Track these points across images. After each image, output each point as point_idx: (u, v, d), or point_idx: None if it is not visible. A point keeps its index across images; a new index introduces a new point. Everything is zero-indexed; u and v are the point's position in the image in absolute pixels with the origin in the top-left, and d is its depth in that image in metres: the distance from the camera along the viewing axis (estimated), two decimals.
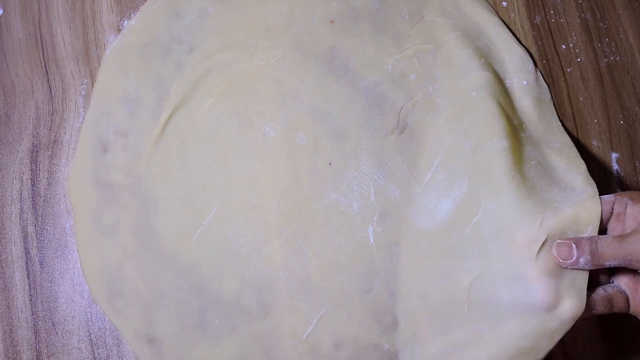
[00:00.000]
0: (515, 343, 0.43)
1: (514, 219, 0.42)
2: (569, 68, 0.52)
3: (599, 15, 0.53)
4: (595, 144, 0.51)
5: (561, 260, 0.40)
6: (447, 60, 0.50)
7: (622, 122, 0.51)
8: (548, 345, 0.43)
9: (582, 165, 0.46)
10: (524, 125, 0.49)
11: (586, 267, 0.40)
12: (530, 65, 0.50)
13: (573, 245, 0.39)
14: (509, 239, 0.43)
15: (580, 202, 0.43)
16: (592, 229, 0.42)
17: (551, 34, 0.52)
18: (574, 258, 0.39)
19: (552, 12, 0.53)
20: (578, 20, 0.53)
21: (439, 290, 0.46)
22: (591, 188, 0.44)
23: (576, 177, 0.45)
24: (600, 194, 0.49)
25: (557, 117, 0.50)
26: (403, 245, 0.48)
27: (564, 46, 0.52)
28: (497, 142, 0.45)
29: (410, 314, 0.47)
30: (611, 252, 0.39)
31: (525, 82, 0.50)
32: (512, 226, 0.42)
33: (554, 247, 0.40)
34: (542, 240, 0.41)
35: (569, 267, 0.40)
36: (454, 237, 0.46)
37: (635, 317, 0.49)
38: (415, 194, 0.48)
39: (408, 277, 0.47)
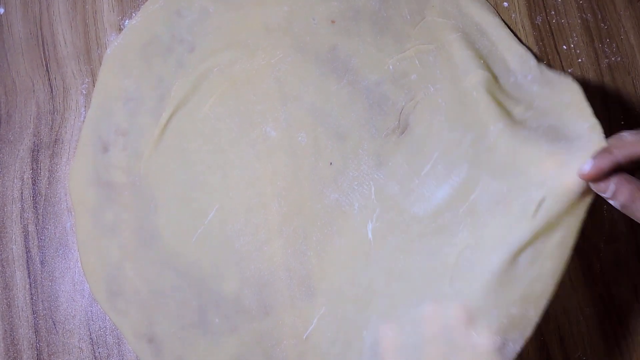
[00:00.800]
0: (504, 312, 0.41)
1: (514, 187, 0.41)
2: (569, 69, 0.52)
3: (599, 16, 0.53)
4: None
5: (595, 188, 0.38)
6: (448, 60, 0.50)
7: (622, 122, 0.51)
8: (536, 313, 0.41)
9: (588, 112, 0.42)
10: (534, 104, 0.46)
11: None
12: (533, 61, 0.50)
13: (612, 186, 0.37)
14: (506, 206, 0.41)
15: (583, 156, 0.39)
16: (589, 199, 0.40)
17: (552, 34, 0.52)
18: (608, 194, 0.37)
19: (553, 12, 0.53)
20: (579, 21, 0.53)
21: (424, 269, 0.44)
22: (597, 135, 0.39)
23: (583, 125, 0.41)
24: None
25: (569, 76, 0.46)
26: (396, 234, 0.47)
27: (564, 47, 0.52)
28: (493, 129, 0.44)
29: (390, 296, 0.45)
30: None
31: (530, 77, 0.49)
32: (513, 194, 0.41)
33: (585, 166, 0.37)
34: (540, 199, 0.40)
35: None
36: (447, 217, 0.45)
37: (635, 319, 0.49)
38: (413, 186, 0.48)
39: (396, 261, 0.45)
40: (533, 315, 0.41)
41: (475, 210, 0.43)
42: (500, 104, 0.47)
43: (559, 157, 0.40)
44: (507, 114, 0.46)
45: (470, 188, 0.44)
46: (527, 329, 0.41)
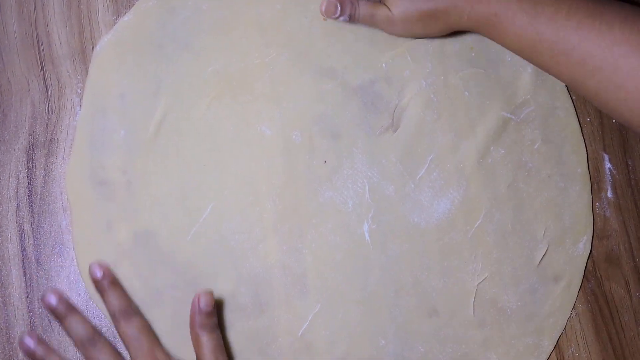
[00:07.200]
0: (522, 342, 0.47)
1: (517, 228, 0.49)
2: None
3: None
4: (587, 143, 0.51)
5: (326, 15, 0.47)
6: (439, 54, 0.50)
7: (614, 120, 0.52)
8: (550, 343, 0.48)
9: (583, 152, 0.51)
10: (529, 98, 0.50)
11: (345, 20, 0.47)
12: None
13: (338, 5, 0.47)
14: (514, 245, 0.48)
15: (577, 212, 0.50)
16: (586, 239, 0.49)
17: None
18: (337, 14, 0.47)
19: None
20: None
21: (441, 289, 0.48)
22: (586, 194, 0.50)
23: (576, 168, 0.50)
24: (593, 193, 0.50)
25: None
26: (398, 242, 0.48)
27: None
28: (494, 150, 0.49)
29: (408, 312, 0.47)
30: (363, 16, 0.47)
31: None
32: (517, 234, 0.49)
33: (322, 3, 0.47)
34: (545, 249, 0.49)
35: (332, 18, 0.47)
36: (453, 237, 0.48)
37: (628, 315, 0.50)
38: (408, 190, 0.49)
39: (405, 274, 0.48)
40: (547, 345, 0.48)
41: (484, 241, 0.49)
42: (493, 107, 0.50)
43: (555, 210, 0.50)
44: (498, 119, 0.50)
45: (474, 213, 0.49)
46: (541, 356, 0.48)
